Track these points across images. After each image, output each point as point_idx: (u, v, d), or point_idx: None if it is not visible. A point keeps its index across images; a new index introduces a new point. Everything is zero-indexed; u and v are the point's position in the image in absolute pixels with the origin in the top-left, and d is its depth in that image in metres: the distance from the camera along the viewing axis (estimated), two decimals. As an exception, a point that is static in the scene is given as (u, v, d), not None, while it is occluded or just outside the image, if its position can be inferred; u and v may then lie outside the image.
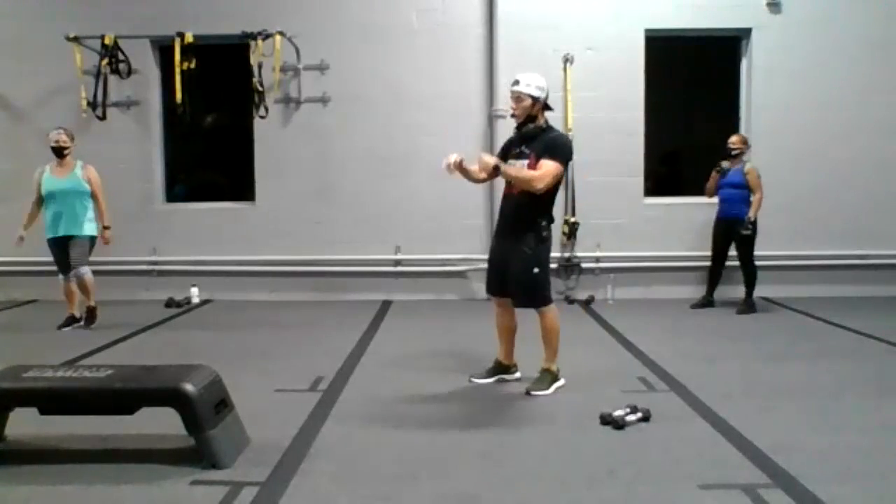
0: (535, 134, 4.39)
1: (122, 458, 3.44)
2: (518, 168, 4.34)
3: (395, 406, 4.29)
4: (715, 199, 7.23)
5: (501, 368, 4.77)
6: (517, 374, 4.76)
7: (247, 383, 4.45)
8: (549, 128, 4.45)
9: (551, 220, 4.45)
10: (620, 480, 3.20)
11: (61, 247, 6.39)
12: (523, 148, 4.42)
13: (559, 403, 4.30)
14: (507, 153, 4.55)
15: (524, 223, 4.38)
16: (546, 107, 4.45)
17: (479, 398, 4.42)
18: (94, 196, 6.42)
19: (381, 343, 5.92)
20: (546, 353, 4.56)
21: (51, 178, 6.36)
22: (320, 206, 7.87)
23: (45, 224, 6.39)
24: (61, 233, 6.34)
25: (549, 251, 4.46)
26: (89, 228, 6.41)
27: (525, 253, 4.35)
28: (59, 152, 6.34)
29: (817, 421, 3.96)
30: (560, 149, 4.34)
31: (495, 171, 4.30)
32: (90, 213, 6.43)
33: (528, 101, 4.34)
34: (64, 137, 6.35)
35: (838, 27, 7.67)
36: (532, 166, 4.31)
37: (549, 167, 4.25)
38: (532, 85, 4.34)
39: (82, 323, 6.53)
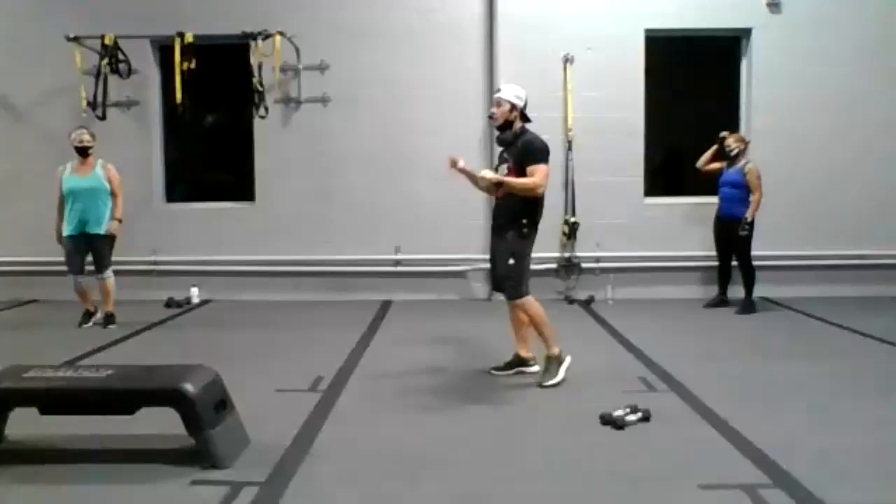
0: (511, 140, 4.69)
1: (122, 458, 3.44)
2: (517, 179, 4.54)
3: (395, 406, 4.29)
4: (709, 169, 7.32)
5: (519, 361, 4.93)
6: (535, 367, 4.88)
7: (247, 383, 4.44)
8: (523, 133, 4.69)
9: (534, 219, 4.65)
10: (620, 480, 3.20)
11: (79, 244, 6.45)
12: (503, 153, 4.77)
13: (559, 403, 4.30)
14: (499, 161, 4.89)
15: (509, 222, 4.65)
16: (524, 116, 4.72)
17: (479, 398, 4.42)
18: (113, 194, 6.50)
19: (381, 343, 5.92)
20: (543, 342, 4.71)
21: (72, 176, 6.44)
22: (320, 206, 7.86)
23: (66, 221, 6.45)
24: (83, 230, 6.40)
25: (527, 247, 4.65)
26: (109, 229, 6.47)
27: (505, 245, 4.65)
28: (84, 152, 6.44)
29: (817, 421, 3.97)
30: (540, 152, 4.59)
31: (498, 186, 4.57)
32: (110, 212, 6.51)
33: (507, 106, 4.66)
34: (87, 137, 6.45)
35: (838, 27, 7.66)
36: (511, 170, 4.59)
37: (540, 171, 4.53)
38: (511, 93, 4.70)
39: (98, 315, 6.62)
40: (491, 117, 4.77)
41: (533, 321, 4.69)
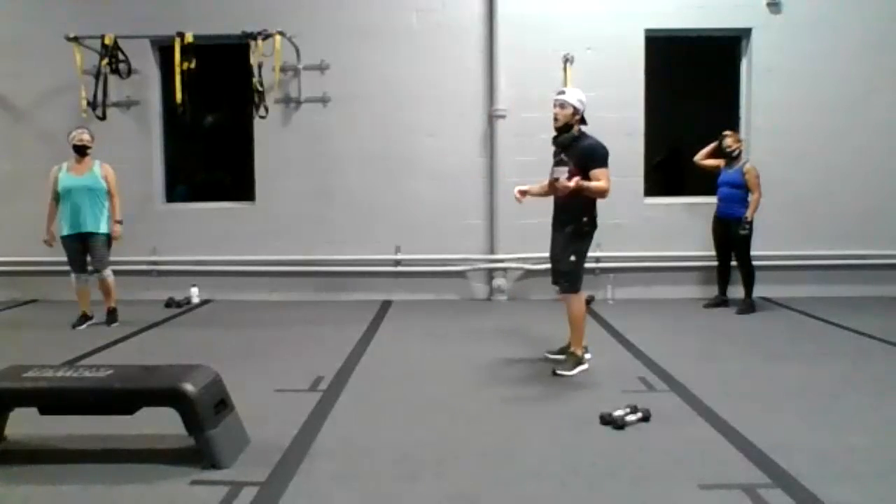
0: (570, 142, 4.87)
1: (122, 458, 3.44)
2: (593, 183, 4.75)
3: (395, 406, 4.29)
4: (705, 164, 7.36)
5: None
6: (588, 356, 5.07)
7: (247, 383, 4.45)
8: (582, 136, 4.89)
9: (593, 218, 4.90)
10: (620, 480, 3.20)
11: (78, 244, 6.46)
12: (562, 156, 4.92)
13: (559, 403, 4.30)
14: (553, 160, 5.05)
15: (571, 220, 4.90)
16: (583, 120, 4.91)
17: (479, 398, 4.42)
18: (109, 193, 6.52)
19: (381, 343, 5.92)
20: (572, 337, 5.00)
21: (68, 175, 6.44)
22: (320, 206, 7.86)
23: (62, 221, 6.46)
24: (79, 230, 6.41)
25: (587, 246, 4.93)
26: (106, 226, 6.51)
27: (566, 242, 4.90)
28: (82, 151, 6.46)
29: (817, 421, 3.97)
30: (605, 156, 4.81)
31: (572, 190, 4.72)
32: (107, 211, 6.53)
33: (570, 110, 4.84)
34: (87, 136, 6.48)
35: (838, 27, 7.66)
36: (573, 172, 4.75)
37: (605, 174, 4.76)
38: (575, 97, 4.89)
39: (94, 319, 6.63)
40: (556, 119, 4.90)
41: (573, 317, 4.96)
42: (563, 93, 4.95)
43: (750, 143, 7.63)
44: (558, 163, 4.94)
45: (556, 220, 5.02)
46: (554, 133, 4.97)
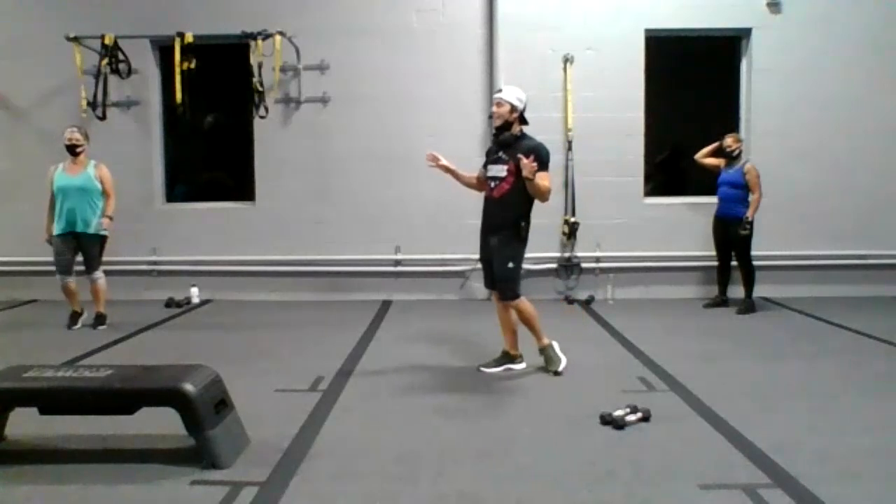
0: (511, 142, 4.77)
1: (122, 458, 3.44)
2: (541, 181, 4.61)
3: (395, 406, 4.29)
4: (706, 163, 7.38)
5: (508, 358, 5.05)
6: (523, 365, 5.01)
7: (247, 383, 4.45)
8: (523, 136, 4.81)
9: (529, 222, 4.80)
10: (620, 480, 3.20)
11: (68, 243, 6.42)
12: (500, 154, 4.82)
13: (559, 403, 4.30)
14: (487, 159, 4.99)
15: (507, 224, 4.76)
16: (522, 119, 4.82)
17: (478, 397, 4.43)
18: (105, 194, 6.48)
19: (380, 343, 5.92)
20: (535, 336, 4.95)
21: (63, 175, 6.42)
22: (320, 206, 7.86)
23: (56, 220, 6.42)
24: (73, 228, 6.38)
25: (524, 249, 4.82)
26: (100, 227, 6.45)
27: (503, 247, 4.78)
28: (73, 150, 6.41)
29: (817, 421, 3.97)
30: (547, 158, 4.71)
31: (499, 183, 4.73)
32: (101, 211, 6.48)
33: (507, 108, 4.74)
34: (77, 136, 6.42)
35: (838, 27, 7.67)
36: (511, 171, 4.68)
37: (548, 177, 4.67)
38: (512, 94, 4.77)
39: (85, 315, 6.60)
40: (491, 117, 4.83)
41: (526, 319, 4.89)
42: (500, 91, 4.85)
43: (750, 143, 7.63)
44: (495, 161, 4.82)
45: (489, 224, 4.87)
46: (493, 132, 4.87)
